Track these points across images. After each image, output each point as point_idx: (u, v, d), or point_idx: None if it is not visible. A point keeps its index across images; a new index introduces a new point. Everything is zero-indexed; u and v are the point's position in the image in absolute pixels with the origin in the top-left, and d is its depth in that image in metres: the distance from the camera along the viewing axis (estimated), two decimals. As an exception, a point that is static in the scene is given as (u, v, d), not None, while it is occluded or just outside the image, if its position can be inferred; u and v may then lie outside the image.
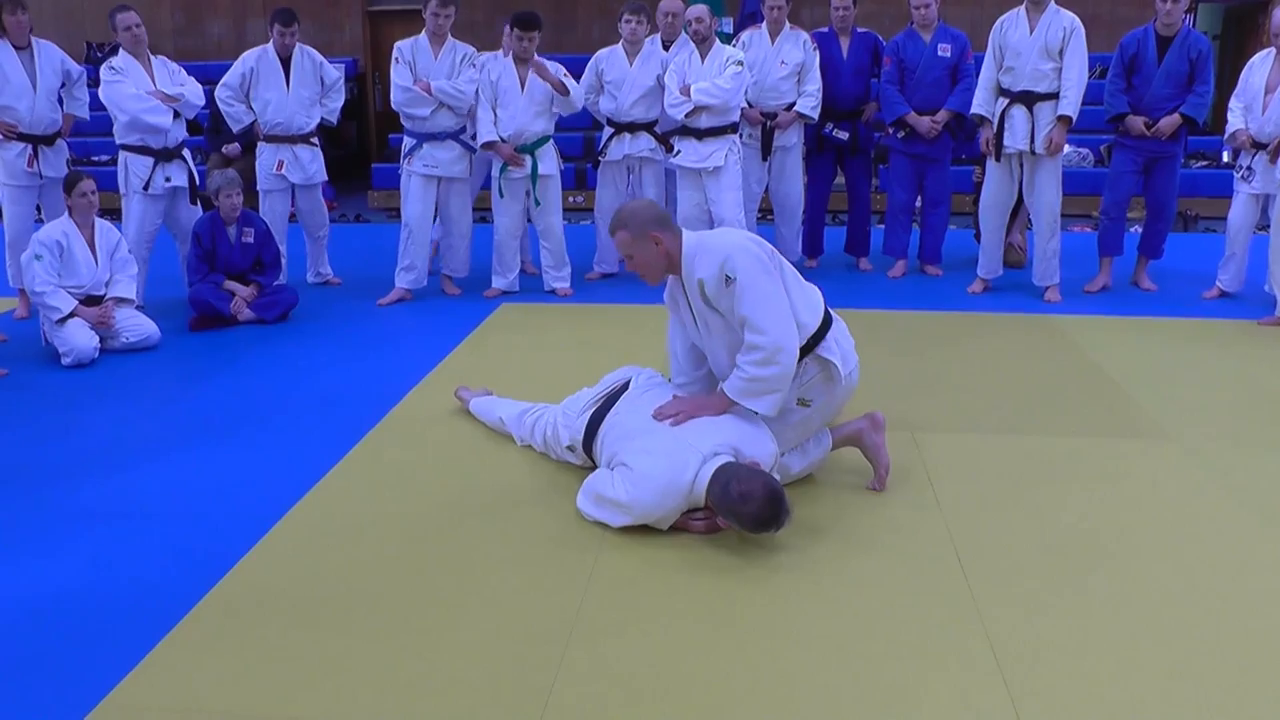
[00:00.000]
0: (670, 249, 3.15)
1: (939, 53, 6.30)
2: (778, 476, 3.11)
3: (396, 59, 5.92)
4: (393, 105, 6.01)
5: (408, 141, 6.06)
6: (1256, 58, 5.78)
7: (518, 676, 2.36)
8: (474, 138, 6.05)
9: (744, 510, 2.80)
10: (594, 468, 3.33)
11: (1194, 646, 2.46)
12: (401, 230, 6.15)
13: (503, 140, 5.89)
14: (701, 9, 6.05)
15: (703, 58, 6.06)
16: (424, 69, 5.90)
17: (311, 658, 2.44)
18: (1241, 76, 5.82)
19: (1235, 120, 5.77)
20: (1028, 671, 2.35)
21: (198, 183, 6.10)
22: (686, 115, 5.99)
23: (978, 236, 6.43)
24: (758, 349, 3.03)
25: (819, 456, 3.36)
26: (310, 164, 6.32)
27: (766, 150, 6.47)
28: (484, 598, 2.71)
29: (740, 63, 5.98)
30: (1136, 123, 5.88)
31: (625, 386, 3.42)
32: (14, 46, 5.65)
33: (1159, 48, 5.82)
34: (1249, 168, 5.73)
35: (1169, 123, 5.81)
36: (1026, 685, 2.30)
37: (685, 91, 5.94)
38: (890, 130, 6.50)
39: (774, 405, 3.11)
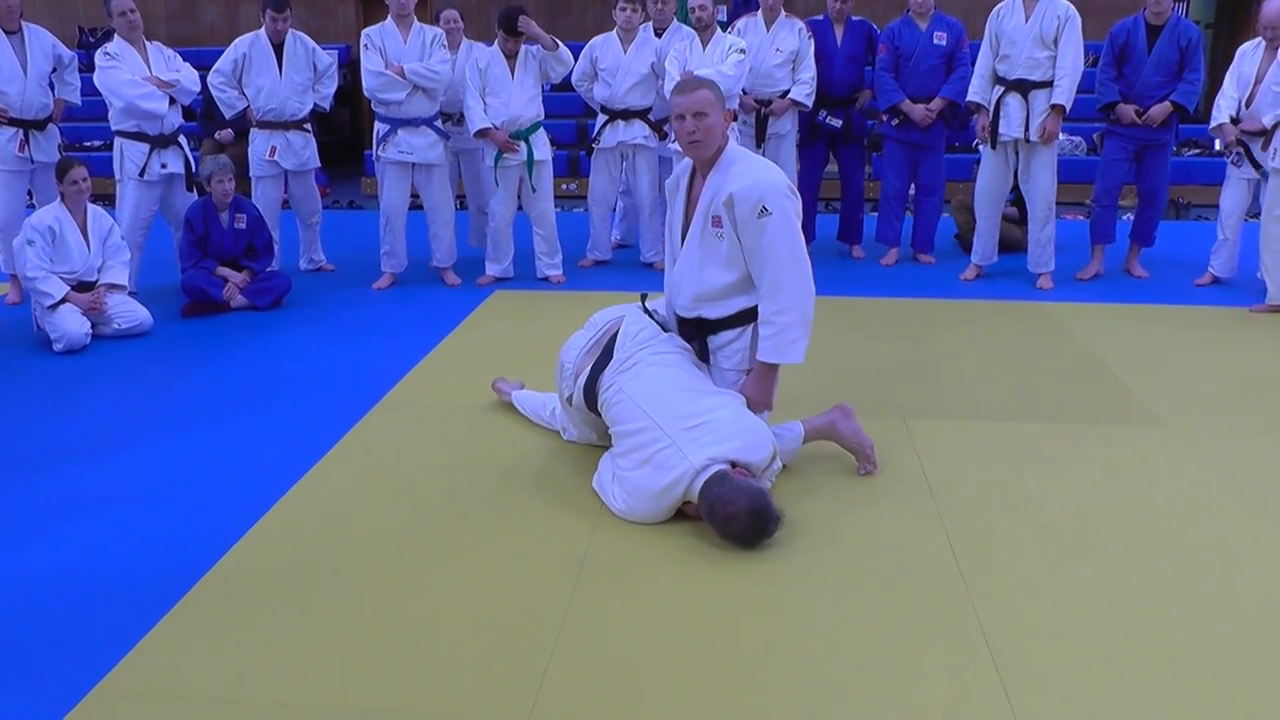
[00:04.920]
0: (725, 134, 3.22)
1: (934, 41, 6.30)
2: (775, 470, 3.15)
3: (366, 45, 5.87)
4: (365, 92, 5.97)
5: (380, 128, 6.02)
6: (1247, 46, 5.79)
7: (512, 659, 2.37)
8: (446, 121, 6.06)
9: (729, 531, 2.85)
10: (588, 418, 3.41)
11: (1187, 633, 2.47)
12: (380, 217, 6.16)
13: (495, 128, 5.88)
14: None
15: (704, 45, 6.04)
16: (394, 53, 5.86)
17: (305, 642, 2.45)
18: (1233, 63, 5.83)
19: (1220, 114, 5.79)
20: (1020, 658, 2.37)
21: (194, 169, 6.08)
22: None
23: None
24: (783, 292, 3.12)
25: (791, 449, 3.34)
26: (303, 150, 6.30)
27: (760, 137, 6.46)
28: (478, 581, 2.72)
29: (743, 50, 5.96)
30: (1127, 111, 5.89)
31: (618, 334, 3.34)
32: (4, 31, 5.62)
33: (1149, 36, 5.83)
34: (1239, 154, 5.74)
35: (1159, 110, 5.82)
36: (1019, 672, 2.32)
37: (687, 77, 5.93)
38: (885, 117, 6.50)
39: (803, 352, 3.19)
